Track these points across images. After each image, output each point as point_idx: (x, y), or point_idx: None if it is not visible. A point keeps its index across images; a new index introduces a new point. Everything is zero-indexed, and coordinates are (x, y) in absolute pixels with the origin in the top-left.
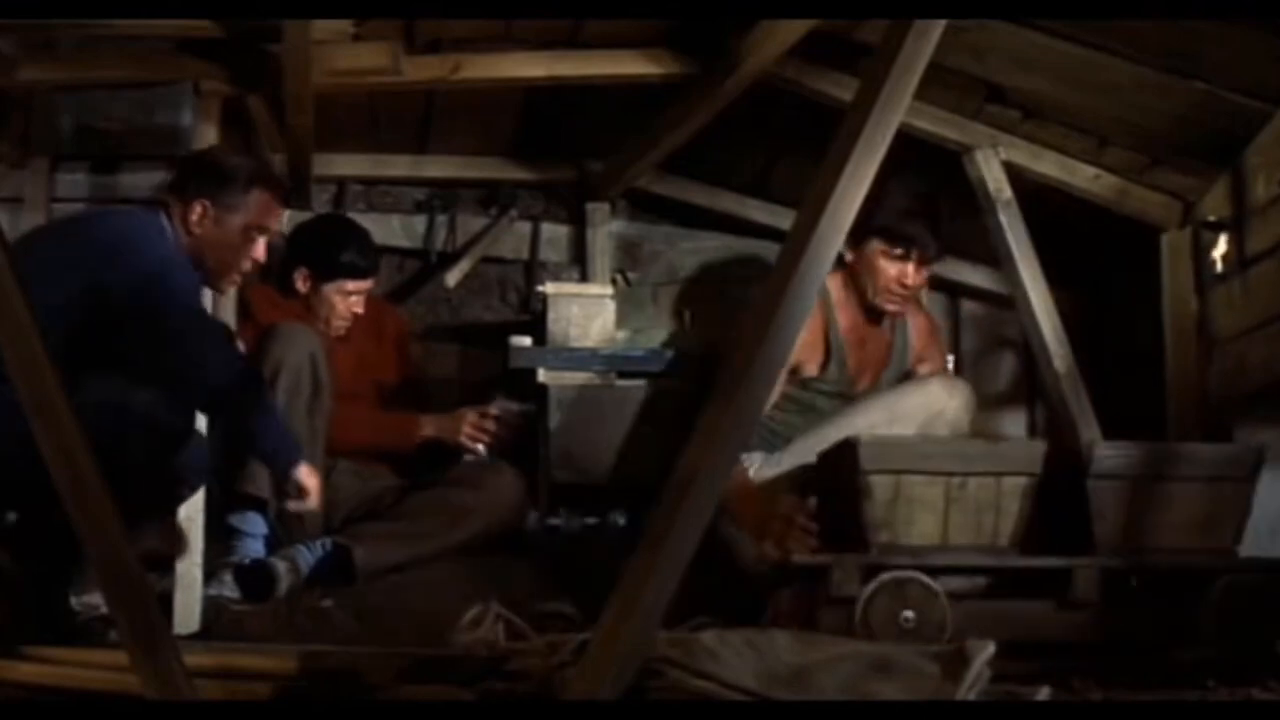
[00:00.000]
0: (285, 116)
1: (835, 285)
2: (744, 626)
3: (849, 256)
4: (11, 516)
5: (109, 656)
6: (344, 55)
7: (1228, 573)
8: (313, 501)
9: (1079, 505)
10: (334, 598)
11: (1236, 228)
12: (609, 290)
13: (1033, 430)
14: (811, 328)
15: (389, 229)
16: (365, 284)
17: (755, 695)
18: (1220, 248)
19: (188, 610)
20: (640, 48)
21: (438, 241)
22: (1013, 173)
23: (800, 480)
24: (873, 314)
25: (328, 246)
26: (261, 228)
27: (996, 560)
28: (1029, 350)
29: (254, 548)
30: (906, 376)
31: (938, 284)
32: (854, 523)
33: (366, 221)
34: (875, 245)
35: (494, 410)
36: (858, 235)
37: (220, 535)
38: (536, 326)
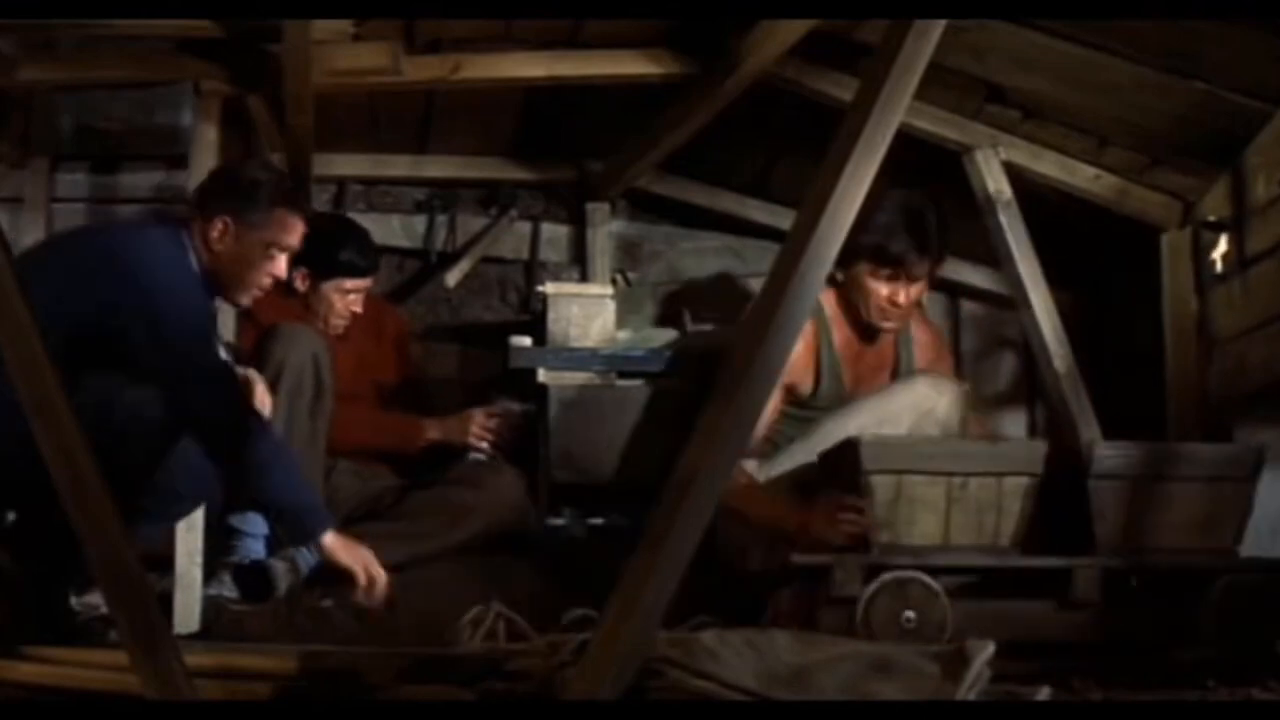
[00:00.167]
0: (285, 116)
1: (830, 301)
2: (744, 626)
3: (840, 277)
4: (11, 516)
5: (109, 656)
6: (344, 55)
7: (1228, 573)
8: (381, 591)
9: (1079, 505)
10: (334, 598)
11: (1236, 228)
12: (609, 290)
13: (1033, 430)
14: (803, 348)
15: (389, 229)
16: (364, 283)
17: (755, 695)
18: (1220, 248)
19: (188, 610)
20: (640, 48)
21: (438, 241)
22: (1013, 173)
23: (800, 482)
24: (870, 330)
25: (326, 245)
26: (283, 245)
27: (997, 560)
28: (1029, 350)
29: (254, 548)
30: None
31: (938, 284)
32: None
33: (366, 221)
34: (864, 266)
35: (497, 410)
36: (846, 257)
37: (220, 535)
38: (536, 326)
